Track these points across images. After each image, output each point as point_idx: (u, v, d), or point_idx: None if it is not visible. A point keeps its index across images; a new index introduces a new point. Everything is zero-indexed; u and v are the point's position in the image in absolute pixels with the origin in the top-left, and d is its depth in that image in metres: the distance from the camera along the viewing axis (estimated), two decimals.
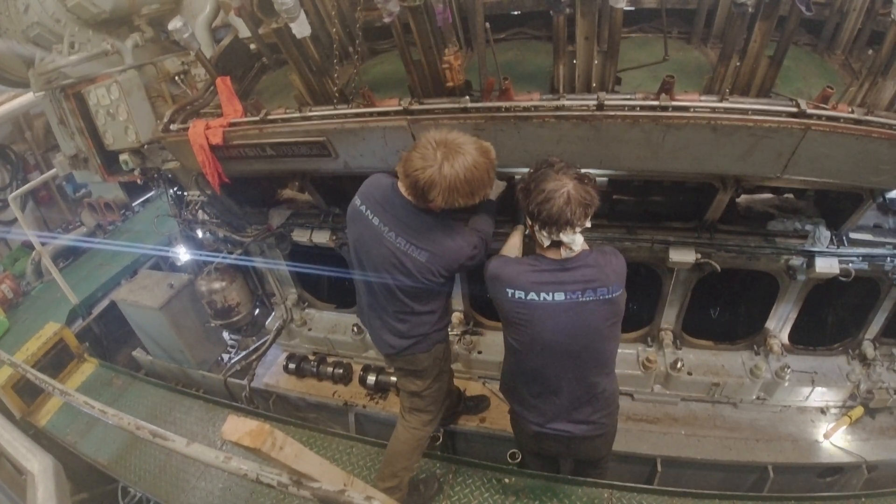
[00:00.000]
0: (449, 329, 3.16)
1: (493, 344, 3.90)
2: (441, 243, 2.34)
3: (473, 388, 3.89)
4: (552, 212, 2.02)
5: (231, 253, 4.15)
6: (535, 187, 2.09)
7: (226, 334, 5.30)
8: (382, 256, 2.41)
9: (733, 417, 3.54)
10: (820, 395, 3.46)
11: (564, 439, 2.50)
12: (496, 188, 2.72)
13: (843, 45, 2.79)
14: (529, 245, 2.48)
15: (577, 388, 2.36)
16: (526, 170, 3.01)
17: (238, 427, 1.56)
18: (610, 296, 2.17)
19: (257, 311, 4.58)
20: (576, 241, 2.11)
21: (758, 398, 3.53)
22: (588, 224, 2.10)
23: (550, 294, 2.16)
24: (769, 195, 3.21)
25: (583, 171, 2.12)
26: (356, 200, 2.47)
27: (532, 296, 2.18)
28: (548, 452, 2.77)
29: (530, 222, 2.19)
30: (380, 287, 2.52)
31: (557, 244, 2.14)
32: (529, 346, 2.30)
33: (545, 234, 2.11)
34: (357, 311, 3.02)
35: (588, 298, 2.15)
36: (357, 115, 2.67)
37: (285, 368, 4.33)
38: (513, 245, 2.57)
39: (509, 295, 2.22)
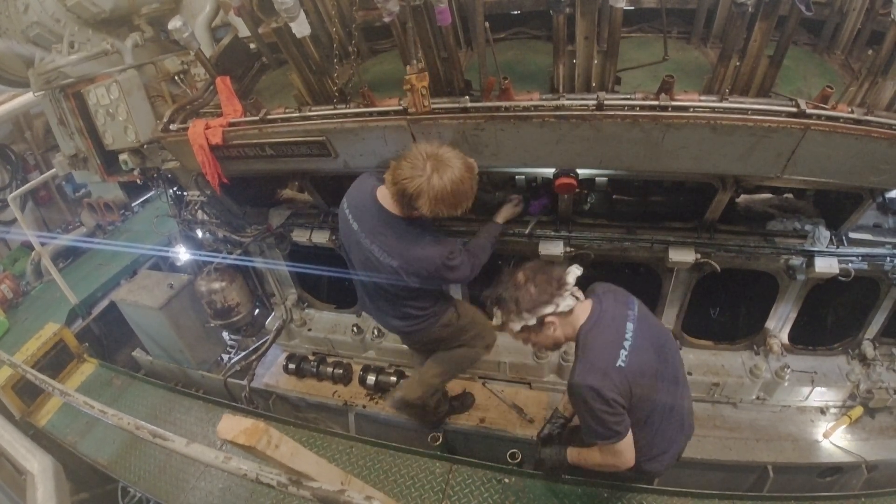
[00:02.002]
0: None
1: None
2: (410, 252, 2.42)
3: (472, 389, 3.87)
4: (538, 283, 2.13)
5: (231, 253, 4.14)
6: (501, 296, 2.19)
7: (226, 334, 5.29)
8: (359, 259, 2.58)
9: (733, 417, 3.54)
10: (820, 395, 3.46)
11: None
12: (506, 212, 2.79)
13: (843, 45, 2.78)
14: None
15: (686, 394, 2.43)
16: (527, 170, 3.03)
17: (233, 425, 1.56)
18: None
19: (257, 311, 4.57)
20: (571, 272, 2.21)
21: (758, 398, 3.53)
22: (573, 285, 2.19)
23: (631, 336, 2.12)
24: (769, 195, 3.20)
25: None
26: (344, 202, 2.61)
27: (623, 353, 2.08)
28: None
29: (546, 312, 2.14)
30: (368, 282, 2.68)
31: (573, 293, 2.17)
32: (652, 402, 2.21)
33: (563, 296, 2.14)
34: (359, 302, 3.12)
35: (636, 309, 2.26)
36: (357, 114, 2.67)
37: (285, 368, 4.32)
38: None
39: (618, 363, 2.06)
